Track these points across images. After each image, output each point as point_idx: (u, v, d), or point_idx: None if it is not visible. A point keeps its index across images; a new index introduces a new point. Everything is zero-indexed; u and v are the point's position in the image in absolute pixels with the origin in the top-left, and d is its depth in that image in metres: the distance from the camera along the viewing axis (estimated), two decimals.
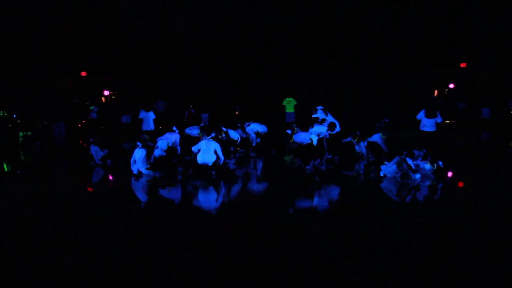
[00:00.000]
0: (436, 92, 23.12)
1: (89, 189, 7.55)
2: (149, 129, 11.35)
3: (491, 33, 19.55)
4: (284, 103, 18.19)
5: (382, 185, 6.94)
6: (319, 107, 11.16)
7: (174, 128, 9.54)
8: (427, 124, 9.69)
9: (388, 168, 7.31)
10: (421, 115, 9.83)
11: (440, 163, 7.64)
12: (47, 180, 8.21)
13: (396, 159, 7.32)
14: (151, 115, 11.37)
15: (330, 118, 10.98)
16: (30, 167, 10.49)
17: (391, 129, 19.21)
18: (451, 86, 22.61)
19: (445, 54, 20.98)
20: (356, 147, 9.67)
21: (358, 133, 9.72)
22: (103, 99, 24.26)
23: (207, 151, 7.67)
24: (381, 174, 7.30)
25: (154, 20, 21.70)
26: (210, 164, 7.65)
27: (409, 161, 7.27)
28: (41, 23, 19.39)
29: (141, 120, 11.36)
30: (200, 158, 7.66)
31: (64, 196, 6.60)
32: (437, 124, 9.67)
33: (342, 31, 20.78)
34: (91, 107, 20.33)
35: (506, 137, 15.09)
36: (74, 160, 10.33)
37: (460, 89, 22.43)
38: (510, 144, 13.89)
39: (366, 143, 9.63)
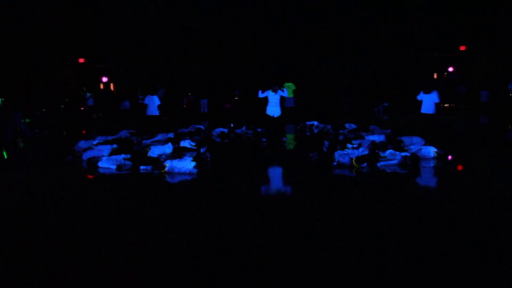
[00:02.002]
0: (435, 76, 23.04)
1: (89, 176, 7.47)
2: (153, 115, 11.31)
3: (490, 16, 19.34)
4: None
5: (380, 176, 6.82)
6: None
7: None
8: (426, 106, 9.35)
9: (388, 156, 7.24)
10: (421, 95, 9.42)
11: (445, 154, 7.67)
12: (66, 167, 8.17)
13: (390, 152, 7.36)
14: (156, 100, 11.26)
15: (272, 99, 9.76)
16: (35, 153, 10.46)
17: (390, 113, 19.23)
18: (451, 69, 22.48)
19: (444, 37, 20.81)
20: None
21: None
22: (102, 85, 24.13)
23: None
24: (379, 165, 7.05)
25: (153, 5, 21.40)
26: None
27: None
28: (38, 9, 19.12)
29: (146, 106, 11.28)
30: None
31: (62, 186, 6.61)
32: (436, 106, 9.17)
33: (341, 14, 20.55)
34: (87, 94, 20.23)
35: (506, 120, 15.06)
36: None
37: (459, 72, 22.33)
38: (510, 127, 13.87)
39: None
